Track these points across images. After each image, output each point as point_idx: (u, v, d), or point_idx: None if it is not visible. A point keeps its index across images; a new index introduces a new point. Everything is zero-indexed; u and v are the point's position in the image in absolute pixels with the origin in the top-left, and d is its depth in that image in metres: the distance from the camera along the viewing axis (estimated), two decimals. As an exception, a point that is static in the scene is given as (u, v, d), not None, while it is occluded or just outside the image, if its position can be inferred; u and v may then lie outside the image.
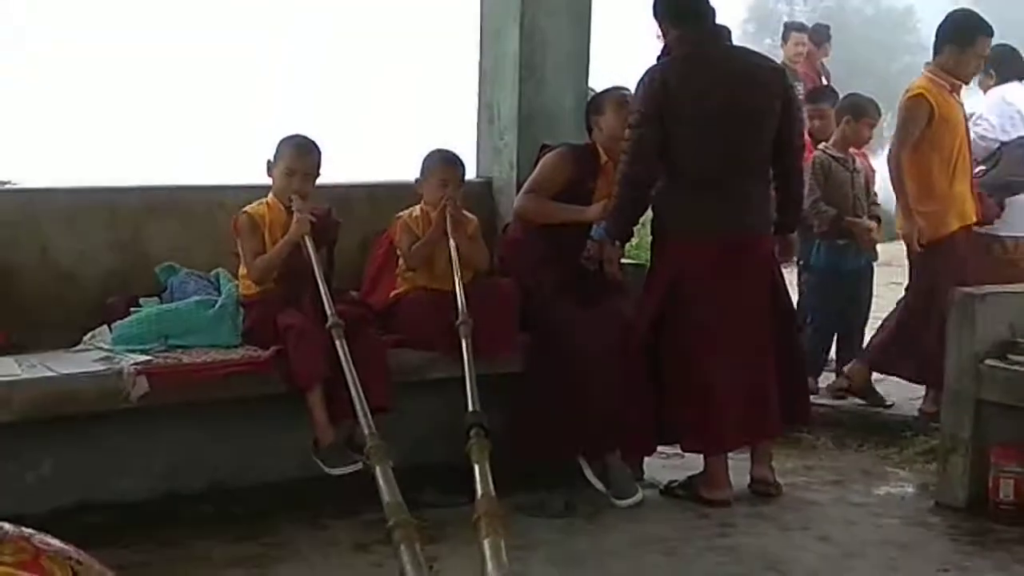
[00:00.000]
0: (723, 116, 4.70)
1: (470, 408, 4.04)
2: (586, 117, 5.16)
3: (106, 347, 4.37)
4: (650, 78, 4.72)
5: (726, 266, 4.76)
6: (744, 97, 4.74)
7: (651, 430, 4.90)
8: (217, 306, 4.52)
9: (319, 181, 4.75)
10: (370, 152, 10.25)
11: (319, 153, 4.65)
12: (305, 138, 4.67)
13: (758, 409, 4.87)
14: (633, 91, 4.82)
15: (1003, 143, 6.75)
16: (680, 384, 4.81)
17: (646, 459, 5.15)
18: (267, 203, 4.62)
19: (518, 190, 5.22)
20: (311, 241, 4.44)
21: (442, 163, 4.88)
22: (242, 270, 4.63)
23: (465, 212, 4.91)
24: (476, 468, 3.79)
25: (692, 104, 4.69)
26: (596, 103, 5.12)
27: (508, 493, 4.41)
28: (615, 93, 5.06)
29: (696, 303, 4.77)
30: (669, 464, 5.26)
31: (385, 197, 5.29)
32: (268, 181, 4.65)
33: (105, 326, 4.49)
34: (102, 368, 4.18)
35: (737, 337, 4.79)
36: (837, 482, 5.32)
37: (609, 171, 4.99)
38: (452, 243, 4.70)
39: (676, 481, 5.00)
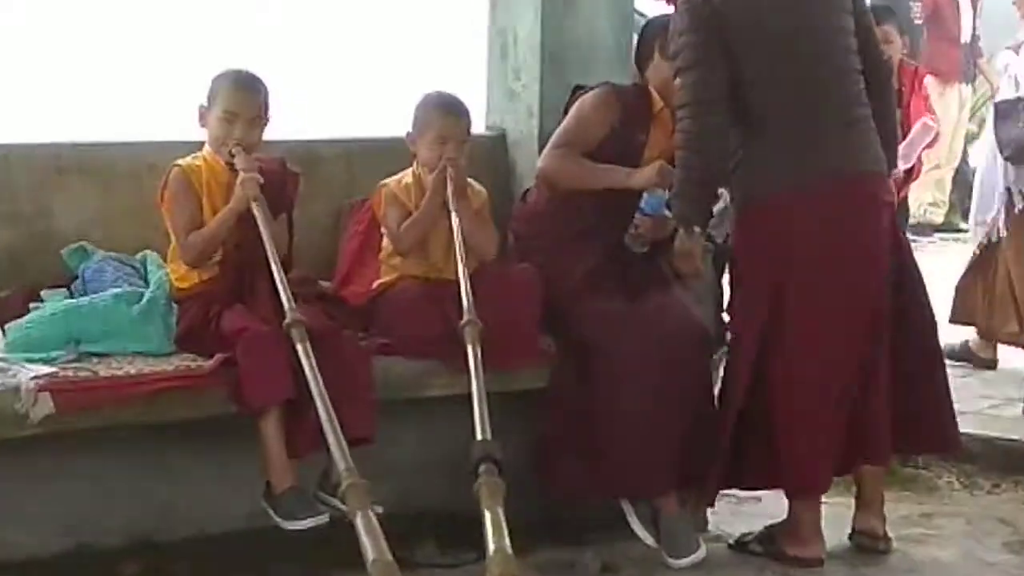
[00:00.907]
0: (794, 33, 4.69)
1: (478, 436, 4.06)
2: (638, 50, 5.14)
3: (-3, 355, 4.36)
4: (692, 5, 4.71)
5: (840, 228, 4.71)
6: (812, 5, 4.76)
7: (719, 465, 4.89)
8: (143, 301, 4.51)
9: (275, 134, 4.76)
10: (348, 99, 10.23)
11: (266, 91, 4.65)
12: (246, 72, 4.67)
13: (863, 429, 4.84)
14: (672, 25, 4.80)
15: None
16: (775, 404, 4.78)
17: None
18: (203, 158, 4.62)
19: (540, 146, 5.21)
20: (261, 208, 4.44)
21: (441, 113, 4.88)
22: (173, 255, 4.63)
23: (471, 181, 4.91)
24: (487, 515, 3.81)
25: (753, 26, 4.68)
26: (653, 32, 5.10)
27: (528, 548, 4.45)
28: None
29: (809, 291, 4.71)
30: (742, 511, 5.27)
31: (366, 156, 5.28)
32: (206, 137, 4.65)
33: (-4, 327, 4.49)
34: (-8, 383, 4.18)
35: (853, 329, 4.75)
36: (965, 534, 5.32)
37: (665, 120, 5.00)
38: (454, 218, 4.70)
39: (751, 533, 5.00)
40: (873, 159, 4.83)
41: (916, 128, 6.72)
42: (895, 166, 5.13)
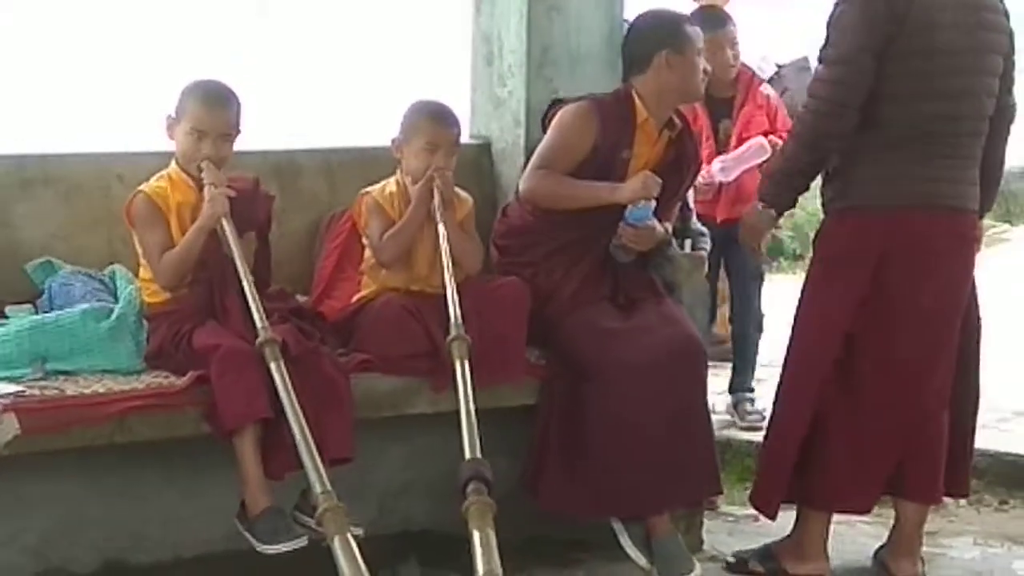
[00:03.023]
0: (955, 56, 4.64)
1: (467, 455, 4.01)
2: (631, 52, 5.06)
3: (-40, 374, 4.32)
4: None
5: (936, 258, 4.71)
6: (977, 17, 4.69)
7: (782, 478, 4.84)
8: (113, 317, 4.47)
9: (253, 144, 4.74)
10: (327, 107, 10.23)
11: (237, 105, 4.61)
12: (217, 86, 4.63)
13: (919, 463, 4.84)
14: (837, 8, 4.68)
15: (779, 66, 6.93)
16: (843, 420, 4.76)
17: (707, 522, 5.14)
18: (169, 176, 4.58)
19: (527, 154, 5.19)
20: (231, 225, 4.41)
21: (431, 120, 4.84)
22: (144, 270, 4.60)
23: (457, 190, 4.87)
24: (476, 537, 3.79)
25: (924, 34, 4.60)
26: (676, 29, 4.99)
27: (517, 569, 4.42)
28: (721, 25, 4.96)
29: (894, 313, 4.70)
30: (738, 530, 5.23)
31: (347, 167, 5.28)
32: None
33: (-41, 345, 4.45)
34: (-46, 403, 4.13)
35: (930, 359, 4.76)
36: (972, 553, 5.31)
37: (650, 131, 4.96)
38: (441, 228, 4.66)
39: (749, 551, 4.98)
40: (975, 198, 4.83)
41: (751, 145, 6.40)
42: (989, 209, 5.09)
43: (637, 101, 4.97)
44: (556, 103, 5.14)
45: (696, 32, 5.00)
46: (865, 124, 4.63)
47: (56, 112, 9.84)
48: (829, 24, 4.68)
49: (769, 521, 4.99)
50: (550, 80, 5.33)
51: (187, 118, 4.53)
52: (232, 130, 4.58)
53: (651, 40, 4.98)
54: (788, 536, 4.90)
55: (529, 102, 5.34)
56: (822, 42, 4.69)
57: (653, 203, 4.85)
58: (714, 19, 6.25)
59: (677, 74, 4.92)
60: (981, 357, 5.01)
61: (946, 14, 4.62)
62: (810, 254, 5.08)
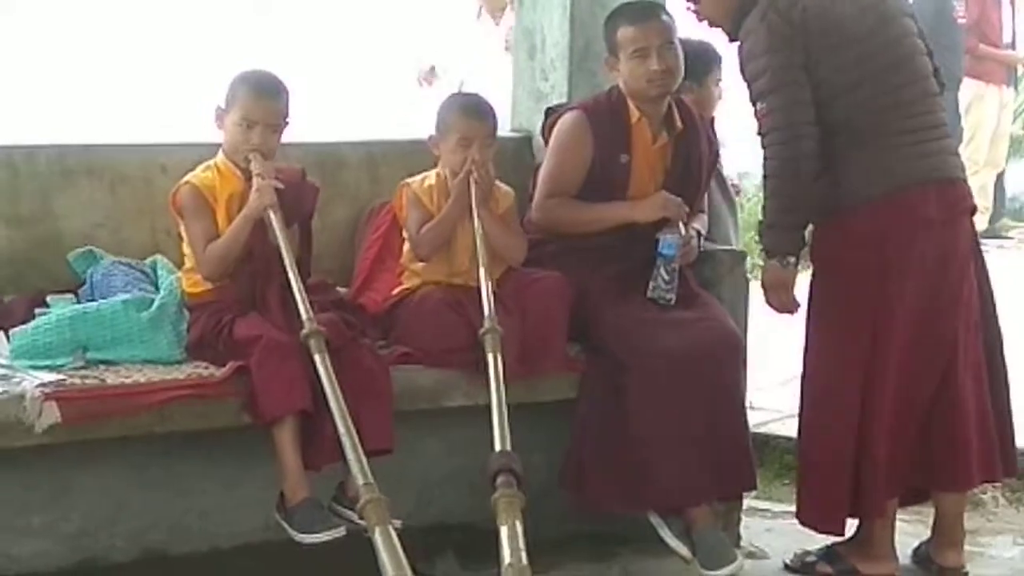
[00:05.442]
0: (871, 36, 4.62)
1: (497, 447, 4.01)
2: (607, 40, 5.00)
3: (1, 362, 4.33)
4: (769, 24, 4.58)
5: (938, 232, 4.65)
6: (884, 5, 4.68)
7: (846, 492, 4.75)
8: (154, 307, 4.48)
9: (292, 136, 4.71)
10: (369, 102, 10.25)
11: (286, 96, 4.61)
12: (267, 76, 4.63)
13: (941, 451, 4.77)
14: (744, 48, 4.67)
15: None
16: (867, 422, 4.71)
17: (744, 518, 5.11)
18: (216, 167, 4.58)
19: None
20: (278, 217, 4.40)
21: (464, 114, 4.82)
22: (187, 260, 4.61)
23: (498, 184, 4.86)
24: (503, 529, 3.77)
25: (833, 32, 4.60)
26: (609, 32, 4.94)
27: (553, 564, 4.42)
28: (651, 16, 4.88)
29: (912, 286, 4.64)
30: (778, 526, 5.21)
31: (388, 160, 5.27)
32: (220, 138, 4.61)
33: (0, 333, 4.46)
34: (-4, 390, 4.16)
35: (943, 337, 4.70)
36: (1012, 552, 5.28)
37: (643, 131, 4.92)
38: (476, 221, 4.64)
39: (809, 553, 4.93)
40: (960, 166, 4.81)
41: None
42: None
43: (629, 101, 4.94)
44: (550, 112, 5.14)
45: (629, 31, 4.87)
46: (828, 131, 4.61)
47: (52, 111, 9.90)
48: (743, 63, 4.67)
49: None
50: (592, 74, 5.33)
51: (236, 108, 4.53)
52: (281, 120, 4.59)
53: (605, 42, 5.00)
54: (853, 536, 4.85)
55: (571, 96, 5.34)
56: (746, 83, 4.66)
57: (681, 227, 4.86)
58: (698, 58, 5.25)
59: (620, 77, 4.92)
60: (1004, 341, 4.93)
61: (837, 6, 4.61)
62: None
